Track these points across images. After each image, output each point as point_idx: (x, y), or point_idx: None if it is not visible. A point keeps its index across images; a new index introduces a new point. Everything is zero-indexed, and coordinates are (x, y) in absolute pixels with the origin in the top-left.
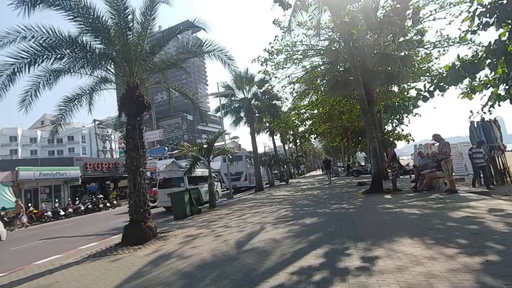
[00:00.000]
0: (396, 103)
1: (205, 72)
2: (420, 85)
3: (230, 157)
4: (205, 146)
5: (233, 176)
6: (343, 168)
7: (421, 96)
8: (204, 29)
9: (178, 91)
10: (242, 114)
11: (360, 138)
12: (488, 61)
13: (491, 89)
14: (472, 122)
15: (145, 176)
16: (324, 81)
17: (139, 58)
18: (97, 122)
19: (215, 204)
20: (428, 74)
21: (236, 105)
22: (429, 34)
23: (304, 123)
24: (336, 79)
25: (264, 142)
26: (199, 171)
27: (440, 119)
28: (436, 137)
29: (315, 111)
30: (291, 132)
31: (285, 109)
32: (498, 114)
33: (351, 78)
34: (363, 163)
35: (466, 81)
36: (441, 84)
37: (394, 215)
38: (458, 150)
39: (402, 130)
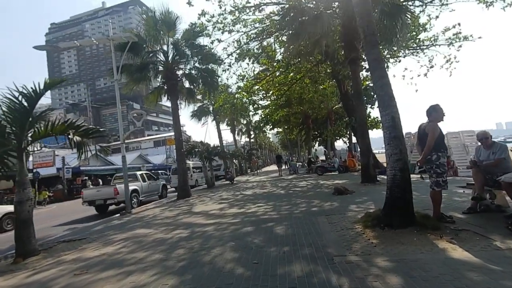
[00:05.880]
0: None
1: None
2: (402, 61)
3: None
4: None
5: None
6: (300, 164)
7: None
8: None
9: None
10: (161, 83)
11: (320, 131)
12: None
13: None
14: None
15: None
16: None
17: None
18: None
19: (29, 250)
20: (414, 43)
21: (146, 62)
22: None
23: (257, 112)
24: (302, 16)
25: (226, 138)
26: None
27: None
28: None
29: (270, 93)
30: (244, 122)
31: (233, 88)
32: None
33: (328, 11)
34: (322, 158)
35: None
36: None
37: None
38: (461, 142)
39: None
